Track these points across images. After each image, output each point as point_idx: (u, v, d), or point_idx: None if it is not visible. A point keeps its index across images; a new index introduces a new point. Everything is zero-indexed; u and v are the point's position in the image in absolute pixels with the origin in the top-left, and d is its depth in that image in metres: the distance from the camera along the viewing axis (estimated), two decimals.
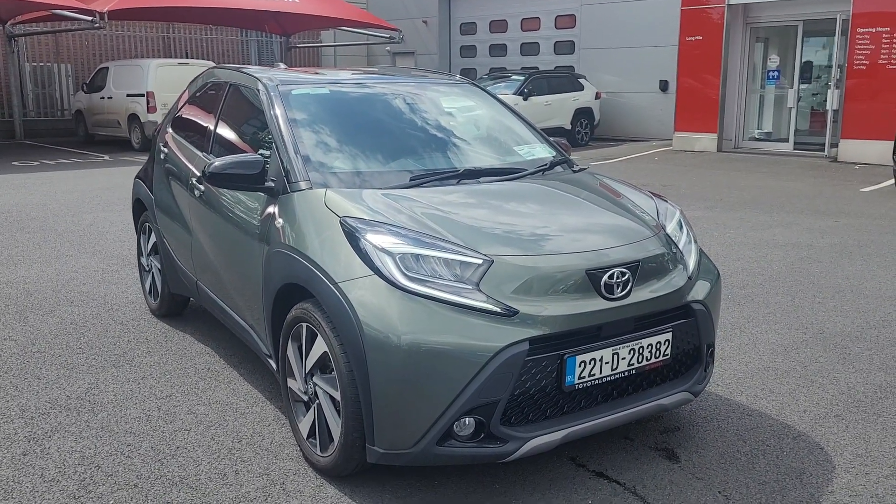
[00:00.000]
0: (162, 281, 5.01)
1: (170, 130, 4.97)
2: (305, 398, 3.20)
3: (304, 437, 3.22)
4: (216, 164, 3.44)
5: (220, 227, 3.93)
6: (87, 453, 3.34)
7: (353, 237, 2.94)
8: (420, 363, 2.68)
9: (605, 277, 2.90)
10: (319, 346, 3.01)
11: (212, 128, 4.33)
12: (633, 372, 2.99)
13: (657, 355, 3.05)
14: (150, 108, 16.49)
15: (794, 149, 14.62)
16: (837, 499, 2.96)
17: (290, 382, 3.30)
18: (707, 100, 15.20)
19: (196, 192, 4.20)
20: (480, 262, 2.81)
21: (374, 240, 2.88)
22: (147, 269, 5.28)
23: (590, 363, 2.86)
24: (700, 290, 3.23)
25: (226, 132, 4.26)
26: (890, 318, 5.11)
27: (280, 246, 3.26)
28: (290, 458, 3.29)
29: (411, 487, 3.05)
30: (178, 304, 5.13)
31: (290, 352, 3.25)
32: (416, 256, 2.82)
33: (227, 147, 4.18)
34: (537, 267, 2.85)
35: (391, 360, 2.71)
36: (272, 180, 3.46)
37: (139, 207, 5.35)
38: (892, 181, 10.93)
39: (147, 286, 5.32)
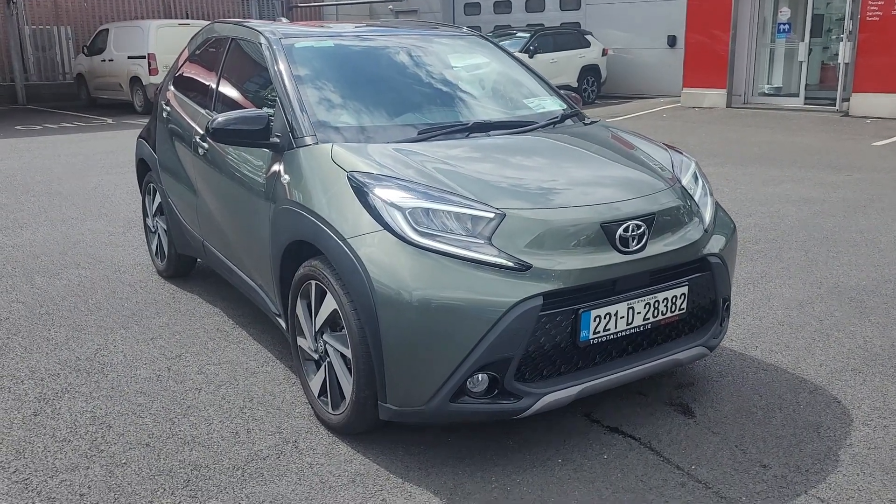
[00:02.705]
0: (168, 242, 4.97)
1: (171, 88, 4.88)
2: (316, 356, 3.16)
3: (316, 395, 3.20)
4: (219, 119, 3.36)
5: (225, 186, 3.87)
6: (98, 413, 3.32)
7: (361, 192, 2.88)
8: (432, 319, 2.64)
9: (620, 230, 2.83)
10: (329, 304, 2.96)
11: (214, 84, 4.24)
12: (649, 326, 2.94)
13: (673, 309, 2.99)
14: (152, 71, 16.31)
15: (805, 103, 14.38)
16: (856, 452, 2.93)
17: (300, 341, 3.27)
18: (716, 54, 14.94)
19: (200, 151, 4.12)
20: (492, 215, 2.74)
21: (383, 194, 2.82)
22: (153, 230, 5.23)
23: (604, 318, 2.81)
24: (716, 243, 3.16)
25: (228, 88, 4.17)
26: None
27: (286, 203, 3.20)
28: (302, 416, 3.27)
29: (425, 444, 3.03)
30: (185, 265, 5.09)
31: (300, 310, 3.21)
32: (426, 211, 2.76)
33: (230, 104, 4.09)
34: (550, 220, 2.78)
35: (402, 316, 2.66)
36: (277, 136, 3.39)
37: (143, 168, 5.28)
38: None
39: (153, 247, 5.28)
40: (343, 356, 2.98)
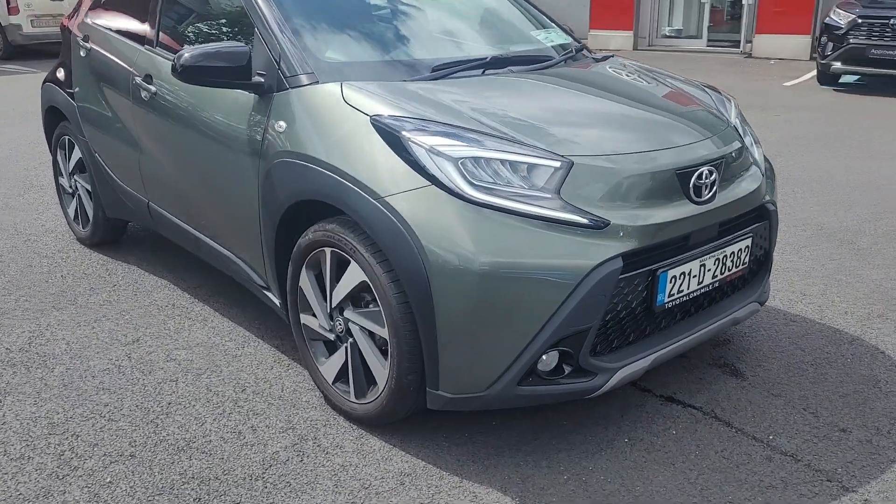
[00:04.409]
0: (94, 204, 4.24)
1: (90, 20, 4.10)
2: (331, 336, 2.68)
3: (330, 381, 2.72)
4: (187, 56, 2.74)
5: (185, 138, 3.23)
6: (56, 419, 2.72)
7: (394, 140, 2.38)
8: (499, 290, 2.21)
9: (694, 178, 2.48)
10: (354, 275, 2.48)
11: (155, 13, 3.54)
12: (717, 285, 2.64)
13: (738, 264, 2.70)
14: (12, 10, 14.49)
15: (708, 45, 14.56)
16: None
17: (305, 319, 2.77)
18: None
19: (143, 95, 3.45)
20: (558, 164, 2.32)
21: (426, 141, 2.33)
22: (70, 190, 4.47)
23: (679, 278, 2.47)
24: (770, 189, 2.88)
25: (176, 18, 3.50)
26: (880, 209, 5.00)
27: (285, 156, 2.65)
28: (312, 406, 2.79)
29: (469, 432, 2.62)
30: (114, 231, 4.39)
31: (305, 283, 2.71)
32: (480, 160, 2.30)
33: (179, 37, 3.44)
34: (624, 169, 2.38)
35: (463, 288, 2.22)
36: (260, 74, 2.81)
37: (53, 117, 4.47)
38: (812, 74, 11.02)
39: (72, 211, 4.52)
40: (373, 336, 2.52)
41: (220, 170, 3.03)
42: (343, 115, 2.53)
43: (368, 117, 2.47)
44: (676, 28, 15.35)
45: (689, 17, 15.18)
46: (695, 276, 2.53)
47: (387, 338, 2.42)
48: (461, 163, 2.28)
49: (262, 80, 2.80)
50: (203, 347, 3.23)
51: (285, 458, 2.49)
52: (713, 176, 2.53)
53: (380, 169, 2.37)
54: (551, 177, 2.31)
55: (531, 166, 2.31)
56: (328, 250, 2.56)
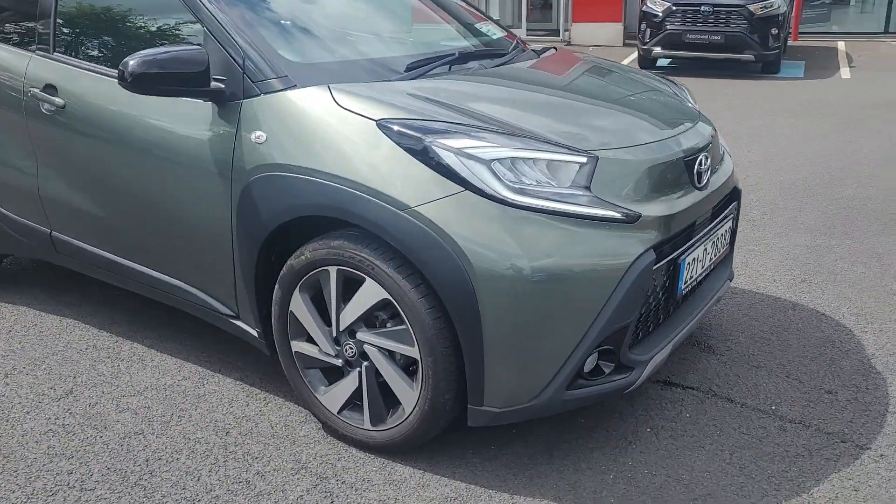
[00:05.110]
0: None
1: None
2: (337, 362, 2.45)
3: (335, 411, 2.50)
4: (135, 63, 2.37)
5: (115, 157, 2.80)
6: (15, 499, 2.28)
7: (414, 145, 2.20)
8: (546, 293, 2.13)
9: (696, 165, 2.53)
10: (370, 294, 2.28)
11: (51, 13, 3.05)
12: (712, 267, 2.72)
13: (724, 245, 2.81)
14: None
15: (528, 35, 15.10)
16: (885, 360, 3.01)
17: (299, 346, 2.52)
18: None
19: (45, 109, 2.97)
20: (584, 160, 2.26)
21: (452, 144, 2.19)
22: None
23: (692, 264, 2.52)
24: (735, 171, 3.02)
25: (83, 18, 3.04)
26: (752, 181, 5.42)
27: (270, 169, 2.38)
28: (314, 440, 2.55)
29: (494, 443, 2.52)
30: None
31: (298, 307, 2.46)
32: (508, 160, 2.19)
33: (89, 42, 3.00)
34: (643, 160, 2.37)
35: (511, 294, 2.11)
36: (219, 80, 2.50)
37: None
38: (632, 59, 11.78)
39: None
40: (393, 356, 2.34)
41: (170, 190, 2.67)
42: (341, 121, 2.31)
43: (374, 122, 2.27)
44: (495, 18, 15.77)
45: (506, 6, 15.69)
46: (700, 261, 2.59)
47: (416, 357, 2.26)
48: (493, 164, 2.16)
49: (223, 86, 2.49)
50: (155, 391, 2.86)
51: None
52: (708, 161, 2.60)
53: (401, 176, 2.19)
54: (579, 173, 2.24)
55: (559, 163, 2.24)
56: (333, 269, 2.34)
